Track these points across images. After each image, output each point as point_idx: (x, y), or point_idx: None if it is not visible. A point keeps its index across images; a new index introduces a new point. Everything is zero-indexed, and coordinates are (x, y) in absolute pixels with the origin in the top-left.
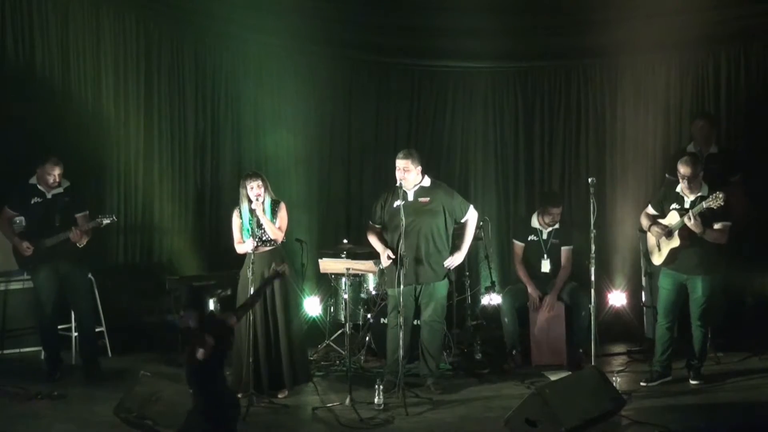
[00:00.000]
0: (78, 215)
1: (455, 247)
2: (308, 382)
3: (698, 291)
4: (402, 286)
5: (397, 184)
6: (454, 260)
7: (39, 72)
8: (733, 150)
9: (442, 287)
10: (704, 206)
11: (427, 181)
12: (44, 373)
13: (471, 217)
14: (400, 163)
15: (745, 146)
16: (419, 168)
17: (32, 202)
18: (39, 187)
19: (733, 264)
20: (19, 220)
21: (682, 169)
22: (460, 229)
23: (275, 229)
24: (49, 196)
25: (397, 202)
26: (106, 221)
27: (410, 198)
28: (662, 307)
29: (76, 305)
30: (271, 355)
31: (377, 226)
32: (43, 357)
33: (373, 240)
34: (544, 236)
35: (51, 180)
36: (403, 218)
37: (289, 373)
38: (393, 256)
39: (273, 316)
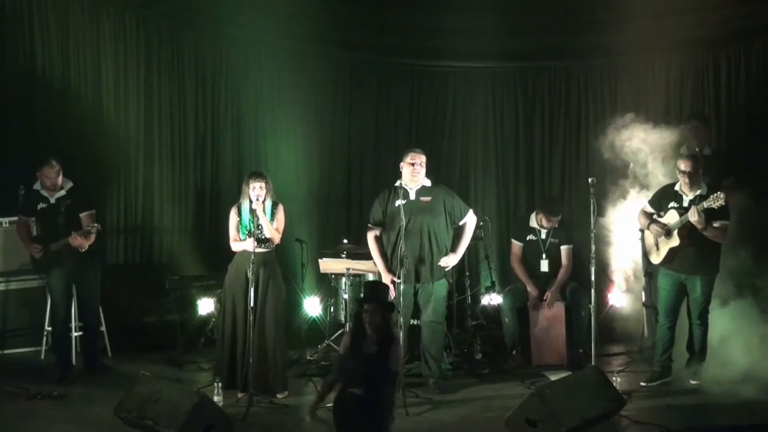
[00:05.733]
0: (82, 215)
1: (452, 249)
2: (285, 391)
3: (697, 291)
4: (402, 285)
5: (397, 183)
6: (449, 261)
7: (39, 72)
8: (726, 153)
9: (440, 287)
10: (704, 206)
11: (428, 181)
12: (55, 375)
13: (469, 221)
14: (418, 158)
15: (744, 148)
16: None
17: (38, 208)
18: (42, 192)
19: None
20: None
21: (683, 165)
22: (458, 232)
23: (273, 230)
24: (52, 200)
25: (398, 201)
26: (94, 230)
27: (412, 197)
28: (662, 307)
29: (86, 304)
30: (260, 355)
31: (377, 228)
32: (46, 358)
33: (374, 251)
34: (543, 236)
35: (49, 183)
36: (403, 218)
37: (259, 378)
38: (397, 281)
39: (262, 318)
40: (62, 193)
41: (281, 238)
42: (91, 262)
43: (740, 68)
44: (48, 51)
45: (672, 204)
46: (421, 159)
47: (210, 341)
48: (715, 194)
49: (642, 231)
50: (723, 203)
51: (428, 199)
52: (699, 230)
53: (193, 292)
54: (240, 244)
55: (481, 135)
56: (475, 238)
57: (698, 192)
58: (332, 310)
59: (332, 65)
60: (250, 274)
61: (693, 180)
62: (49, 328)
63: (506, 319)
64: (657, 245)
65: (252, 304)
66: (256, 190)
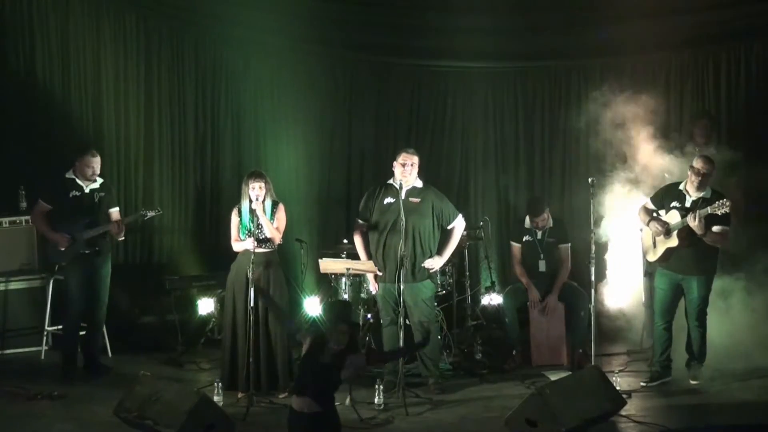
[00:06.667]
0: (111, 210)
1: (438, 252)
2: (285, 391)
3: (694, 291)
4: (393, 283)
5: (390, 181)
6: (434, 263)
7: (39, 72)
8: (728, 152)
9: (424, 288)
10: (708, 211)
11: (419, 182)
12: (60, 373)
13: (458, 225)
14: (410, 158)
15: (744, 148)
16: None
17: (70, 195)
18: (77, 180)
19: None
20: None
21: (699, 164)
22: (445, 236)
23: (273, 230)
24: (87, 190)
25: (388, 199)
26: (150, 214)
27: (402, 196)
28: (659, 307)
29: (100, 298)
30: (261, 354)
31: (364, 224)
32: (46, 358)
33: (359, 246)
34: (539, 236)
35: (90, 172)
36: (403, 217)
37: (262, 378)
38: (380, 273)
39: (265, 318)
40: (96, 185)
41: (282, 239)
42: (107, 258)
43: (740, 68)
44: (48, 51)
45: (674, 203)
46: (412, 160)
47: (210, 341)
48: (720, 201)
49: (641, 230)
50: (727, 211)
51: (417, 200)
52: (699, 236)
53: (193, 292)
54: (240, 244)
55: (481, 135)
56: (476, 238)
57: (702, 194)
58: None
59: (332, 65)
60: (250, 274)
61: (704, 182)
62: (50, 328)
63: (507, 319)
64: (654, 244)
65: (252, 304)
66: (256, 190)
